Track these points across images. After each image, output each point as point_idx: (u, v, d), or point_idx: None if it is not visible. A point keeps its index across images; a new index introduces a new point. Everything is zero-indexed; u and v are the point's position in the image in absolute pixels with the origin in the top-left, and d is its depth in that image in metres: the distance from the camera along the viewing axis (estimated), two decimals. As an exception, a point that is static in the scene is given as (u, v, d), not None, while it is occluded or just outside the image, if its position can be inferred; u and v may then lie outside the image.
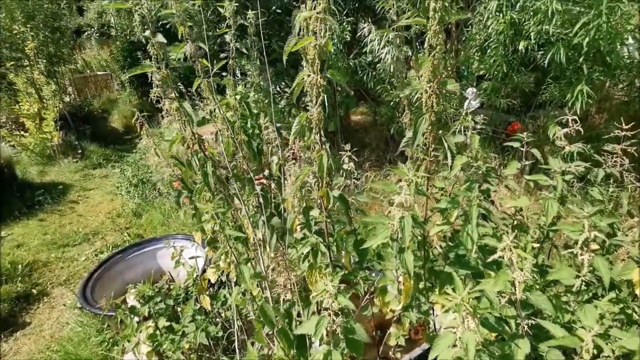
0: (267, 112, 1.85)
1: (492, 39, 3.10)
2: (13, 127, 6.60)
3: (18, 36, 5.98)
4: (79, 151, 6.42)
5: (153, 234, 4.14)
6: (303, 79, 1.05)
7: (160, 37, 1.36)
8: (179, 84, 1.66)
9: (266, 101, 1.80)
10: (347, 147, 1.28)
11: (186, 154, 1.70)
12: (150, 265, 3.12)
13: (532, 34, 2.87)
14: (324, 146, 0.99)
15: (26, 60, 6.35)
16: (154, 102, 1.85)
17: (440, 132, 1.04)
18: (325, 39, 0.90)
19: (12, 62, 6.29)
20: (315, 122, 0.96)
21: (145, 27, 1.49)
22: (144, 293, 1.85)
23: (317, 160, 0.96)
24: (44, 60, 6.52)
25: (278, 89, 4.71)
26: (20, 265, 3.49)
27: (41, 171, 5.94)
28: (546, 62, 2.89)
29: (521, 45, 3.00)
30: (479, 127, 1.63)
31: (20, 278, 3.37)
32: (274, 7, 4.06)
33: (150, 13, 1.51)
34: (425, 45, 0.92)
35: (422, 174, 1.00)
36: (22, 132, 6.31)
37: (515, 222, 1.46)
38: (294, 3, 4.57)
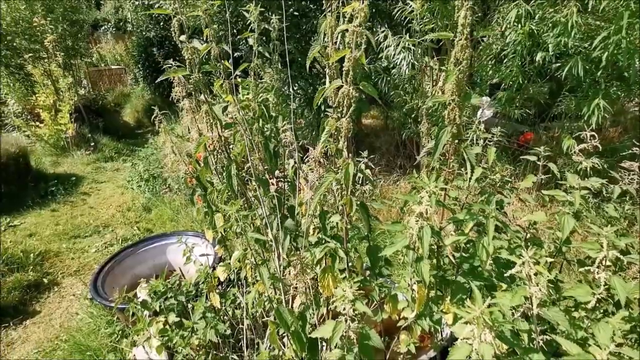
0: (284, 115, 1.87)
1: (509, 49, 3.10)
2: (29, 117, 6.73)
3: (37, 28, 6.09)
4: (92, 144, 6.52)
5: (162, 229, 4.19)
6: (333, 88, 1.06)
7: (196, 43, 1.40)
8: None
9: (284, 104, 1.82)
10: (365, 154, 1.30)
11: (204, 153, 1.73)
12: (160, 260, 3.16)
13: (550, 45, 2.86)
14: (349, 155, 1.01)
15: (44, 52, 6.47)
16: (175, 101, 1.88)
17: (462, 145, 1.05)
18: (360, 53, 0.92)
19: (30, 54, 6.41)
20: (344, 131, 0.97)
21: (181, 32, 1.53)
22: (156, 289, 1.88)
23: (343, 168, 0.98)
24: (62, 53, 6.63)
25: (292, 90, 4.74)
26: (32, 254, 3.55)
27: (54, 162, 6.04)
28: (563, 74, 2.88)
29: (538, 57, 2.99)
30: (495, 139, 1.64)
31: (31, 267, 3.43)
32: (291, 10, 4.09)
33: (188, 20, 1.55)
34: (451, 59, 0.93)
35: (442, 185, 1.01)
36: (38, 123, 6.43)
37: (529, 236, 1.46)
38: (311, 6, 4.60)
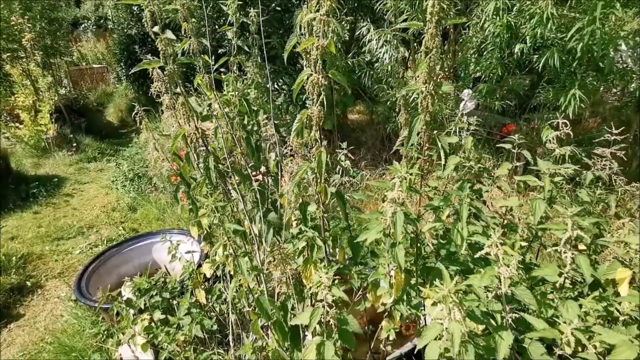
0: (265, 109, 1.87)
1: (488, 42, 3.15)
2: (8, 118, 6.56)
3: (15, 27, 5.94)
4: (74, 144, 6.40)
5: (148, 228, 4.15)
6: (304, 78, 1.07)
7: (169, 34, 1.39)
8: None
9: (265, 99, 1.83)
10: (344, 145, 1.31)
11: (186, 149, 1.73)
12: (146, 259, 3.13)
13: (527, 37, 2.91)
14: (322, 143, 1.02)
15: (22, 52, 6.31)
16: (155, 97, 1.87)
17: (435, 132, 1.07)
18: (328, 41, 0.93)
19: (8, 54, 6.24)
20: (315, 120, 0.98)
21: (154, 23, 1.51)
22: (140, 286, 1.87)
23: (315, 156, 0.99)
24: (40, 52, 6.48)
25: (276, 85, 4.73)
26: (14, 258, 3.49)
27: (36, 164, 5.91)
28: (540, 65, 2.94)
29: (517, 49, 3.05)
30: (472, 128, 1.68)
31: (14, 270, 3.37)
32: (273, 5, 4.08)
33: (160, 10, 1.53)
34: (422, 47, 0.95)
35: (416, 171, 1.03)
36: (17, 124, 6.28)
37: (506, 222, 1.50)
38: (294, 1, 4.59)
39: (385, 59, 3.41)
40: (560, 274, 0.97)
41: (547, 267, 1.00)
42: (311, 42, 0.94)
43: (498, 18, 2.95)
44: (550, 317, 0.96)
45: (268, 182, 2.01)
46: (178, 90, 1.45)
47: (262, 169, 2.05)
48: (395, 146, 1.19)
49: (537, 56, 3.19)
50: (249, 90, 1.98)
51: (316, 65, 0.95)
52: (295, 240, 1.27)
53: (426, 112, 1.00)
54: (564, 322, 0.85)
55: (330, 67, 0.97)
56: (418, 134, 1.03)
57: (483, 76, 3.49)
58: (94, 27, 11.67)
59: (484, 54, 3.26)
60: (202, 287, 2.20)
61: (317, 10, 0.92)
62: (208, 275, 2.28)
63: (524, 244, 1.26)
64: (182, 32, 1.56)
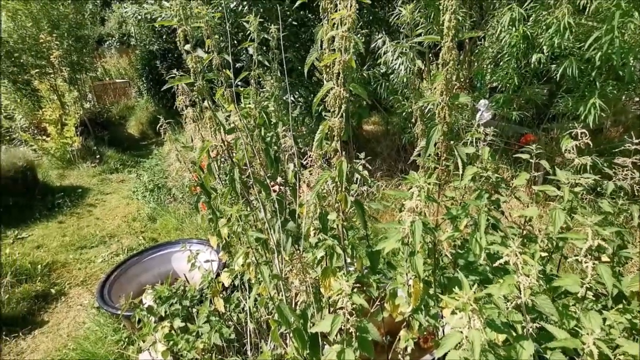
0: (284, 121, 1.92)
1: (504, 52, 3.14)
2: (36, 131, 6.86)
3: (43, 45, 6.25)
4: (97, 156, 6.62)
5: (167, 238, 4.24)
6: (325, 91, 1.11)
7: (200, 52, 1.45)
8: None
9: (283, 111, 1.88)
10: (362, 155, 1.34)
11: (209, 160, 1.78)
12: (165, 268, 3.20)
13: (545, 47, 2.90)
14: (342, 153, 1.05)
15: (50, 68, 6.62)
16: (180, 110, 1.94)
17: (452, 142, 1.09)
18: (349, 56, 0.97)
19: (36, 70, 6.55)
20: (336, 131, 1.02)
21: (186, 42, 1.60)
22: (161, 294, 1.92)
23: (336, 166, 1.02)
24: (67, 68, 6.78)
25: (292, 98, 4.82)
26: (39, 266, 3.61)
27: (61, 175, 6.13)
28: (558, 75, 2.92)
29: (534, 58, 3.03)
30: (489, 138, 1.68)
31: (39, 278, 3.48)
32: (290, 20, 4.18)
33: (192, 30, 1.62)
34: (439, 60, 0.98)
35: (434, 181, 1.05)
36: (44, 137, 6.55)
37: (525, 232, 1.49)
38: (309, 15, 4.69)
39: (401, 70, 3.44)
40: (581, 285, 0.96)
41: (568, 277, 0.99)
42: (333, 57, 0.98)
43: (514, 28, 2.95)
44: (572, 329, 0.95)
45: (286, 192, 2.05)
46: (205, 104, 1.51)
47: (279, 179, 2.09)
48: (413, 156, 1.21)
49: (554, 65, 3.17)
50: (267, 103, 2.04)
51: (338, 79, 0.99)
52: (314, 249, 1.30)
53: (443, 123, 1.02)
54: (586, 333, 0.84)
55: (347, 80, 1.01)
56: (435, 145, 1.05)
57: (500, 86, 3.48)
58: (118, 43, 12.14)
59: (500, 64, 3.26)
60: (221, 295, 2.23)
61: (338, 27, 0.96)
62: (226, 284, 2.32)
63: (544, 254, 1.25)
64: (206, 48, 1.63)
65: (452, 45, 0.95)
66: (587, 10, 2.75)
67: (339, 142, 1.03)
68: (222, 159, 1.67)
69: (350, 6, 0.91)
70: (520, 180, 1.43)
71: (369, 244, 1.31)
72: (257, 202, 1.67)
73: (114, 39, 12.04)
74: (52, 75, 6.74)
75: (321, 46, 1.16)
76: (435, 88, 1.00)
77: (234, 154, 1.61)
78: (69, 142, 6.42)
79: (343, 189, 1.03)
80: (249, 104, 1.85)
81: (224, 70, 1.70)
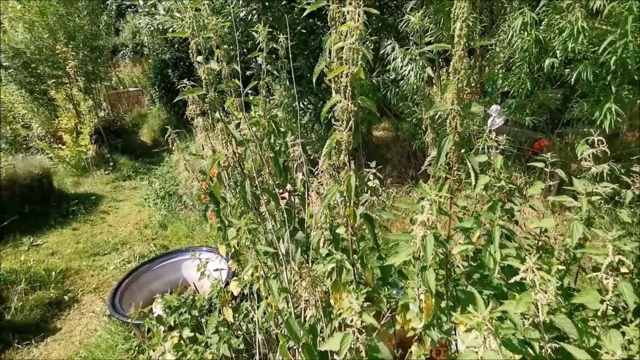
0: (293, 129, 1.92)
1: (516, 56, 3.10)
2: (52, 140, 7.01)
3: (60, 55, 6.40)
4: (111, 163, 6.73)
5: (178, 245, 4.26)
6: (334, 103, 1.10)
7: (213, 64, 1.46)
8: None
9: (293, 120, 1.87)
10: (372, 164, 1.32)
11: (219, 169, 1.78)
12: (176, 276, 3.21)
13: (558, 51, 2.85)
14: (351, 167, 1.03)
15: (66, 78, 6.77)
16: (190, 119, 1.95)
17: (463, 151, 1.06)
18: (357, 68, 0.96)
19: (53, 80, 6.71)
20: (344, 144, 1.00)
21: (199, 53, 1.61)
22: (170, 304, 1.91)
23: (345, 180, 1.00)
24: (82, 78, 6.93)
25: (301, 105, 4.83)
26: (53, 273, 3.66)
27: (76, 182, 6.25)
28: (573, 79, 2.86)
29: (547, 63, 2.98)
30: (501, 146, 1.64)
31: (53, 285, 3.53)
32: (299, 28, 4.20)
33: (205, 41, 1.63)
34: (450, 68, 0.96)
35: (445, 194, 1.02)
36: (60, 145, 6.69)
37: (540, 243, 1.44)
38: (318, 23, 4.71)
39: (411, 76, 3.42)
40: (602, 301, 0.92)
41: (588, 294, 0.95)
42: (341, 70, 0.97)
43: (526, 33, 2.91)
44: (592, 347, 0.91)
45: (294, 201, 2.04)
46: (217, 115, 1.51)
47: (289, 187, 2.08)
48: (424, 166, 1.19)
49: (568, 70, 3.11)
50: (276, 111, 2.04)
51: (346, 92, 0.97)
52: (324, 261, 1.28)
53: (455, 133, 0.99)
54: (606, 353, 0.80)
55: (355, 92, 0.99)
56: (447, 154, 1.02)
57: (512, 91, 3.42)
58: (131, 53, 12.39)
59: (512, 68, 3.21)
60: (230, 305, 2.22)
61: (347, 38, 0.95)
62: (235, 294, 2.31)
63: (561, 267, 1.21)
64: (215, 58, 1.64)
65: (463, 54, 0.93)
66: (600, 14, 2.70)
67: (347, 155, 1.02)
68: (232, 168, 1.66)
69: (358, 18, 0.90)
70: (535, 189, 1.39)
71: (380, 254, 1.28)
72: (266, 211, 1.66)
73: (127, 48, 12.30)
74: (68, 85, 6.90)
75: (329, 55, 1.15)
76: (446, 97, 0.97)
77: (244, 165, 1.60)
78: (84, 150, 6.54)
79: (352, 204, 1.01)
80: (259, 112, 1.85)
81: (233, 79, 1.70)
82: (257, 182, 1.89)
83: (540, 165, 1.42)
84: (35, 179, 5.11)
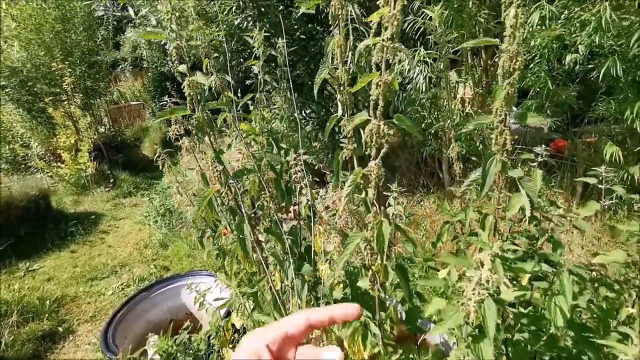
0: (295, 145, 1.70)
1: (534, 53, 2.86)
2: (51, 158, 6.87)
3: (56, 72, 6.28)
4: (111, 180, 6.56)
5: (179, 265, 4.05)
6: (336, 116, 0.87)
7: (200, 76, 1.21)
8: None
9: (295, 135, 1.65)
10: (394, 186, 1.09)
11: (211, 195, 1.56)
12: (175, 303, 2.98)
13: (581, 46, 2.61)
14: (381, 209, 0.79)
15: (64, 95, 6.65)
16: (173, 140, 1.73)
17: (509, 172, 0.83)
18: (393, 76, 0.73)
19: (50, 97, 6.58)
20: (374, 180, 0.76)
21: (181, 61, 1.35)
22: (163, 348, 1.69)
23: (374, 228, 0.76)
24: (81, 95, 6.79)
25: (303, 114, 4.62)
26: (48, 301, 3.46)
27: (75, 201, 6.08)
28: (600, 75, 2.61)
29: (568, 59, 2.74)
30: (540, 157, 1.41)
31: (47, 315, 3.32)
32: (297, 33, 4.01)
33: (187, 47, 1.38)
34: (499, 70, 0.74)
35: (511, 246, 0.79)
36: (59, 164, 6.54)
37: (595, 275, 1.20)
38: (318, 28, 4.51)
39: (419, 79, 3.19)
40: None
41: None
42: (369, 79, 0.74)
43: (544, 27, 2.67)
44: None
45: (300, 225, 1.81)
46: (207, 140, 1.27)
47: (295, 207, 1.86)
48: (461, 190, 0.95)
49: (591, 66, 2.86)
50: (274, 124, 1.83)
51: (376, 109, 0.74)
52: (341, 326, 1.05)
53: (503, 151, 0.77)
54: None
55: (387, 107, 0.76)
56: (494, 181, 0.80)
57: (531, 91, 3.18)
58: (131, 67, 12.33)
59: (530, 67, 2.97)
60: (231, 341, 2.00)
61: (377, 34, 0.72)
62: (238, 326, 2.08)
63: (632, 310, 0.96)
64: (204, 69, 1.43)
65: (517, 50, 0.71)
66: (629, 5, 2.46)
67: (376, 193, 0.78)
68: (226, 202, 1.43)
69: (395, 3, 0.66)
70: (588, 210, 1.15)
71: (409, 306, 1.05)
72: (268, 256, 1.43)
73: (127, 62, 12.25)
74: (65, 102, 6.77)
75: (332, 61, 0.93)
76: (494, 106, 0.75)
77: (243, 198, 1.37)
78: (83, 168, 6.39)
79: (384, 259, 0.76)
80: (256, 128, 1.64)
81: (225, 91, 1.49)
82: (256, 206, 1.67)
83: (593, 181, 1.18)
84: (31, 200, 4.94)
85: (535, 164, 1.38)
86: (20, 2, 6.36)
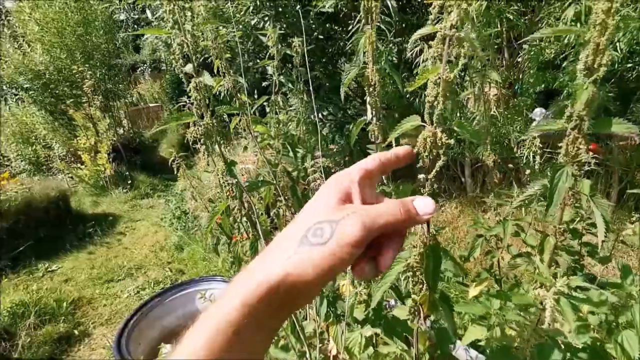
0: (311, 150, 1.60)
1: (568, 51, 2.69)
2: (72, 159, 6.98)
3: (77, 75, 6.38)
4: (129, 181, 6.62)
5: (194, 269, 4.01)
6: (363, 120, 0.77)
7: (207, 78, 1.11)
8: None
9: (312, 140, 1.55)
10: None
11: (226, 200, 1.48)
12: (190, 308, 2.93)
13: (620, 43, 2.43)
14: (430, 229, 0.67)
15: (84, 97, 6.76)
16: (191, 143, 1.66)
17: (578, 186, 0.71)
18: (454, 74, 0.62)
19: (71, 99, 6.70)
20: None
21: (186, 60, 1.25)
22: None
23: (425, 255, 0.64)
24: (100, 97, 6.89)
25: (320, 116, 4.52)
26: (64, 303, 3.47)
27: (94, 202, 6.15)
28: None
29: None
30: (587, 167, 1.27)
31: (63, 317, 3.32)
32: (315, 33, 3.92)
33: (195, 44, 1.28)
34: (580, 65, 0.63)
35: (578, 281, 0.67)
36: (79, 165, 6.64)
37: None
38: (336, 28, 4.42)
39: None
40: None
41: None
42: (427, 77, 0.63)
43: (579, 24, 2.50)
44: None
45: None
46: (217, 149, 1.16)
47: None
48: (511, 207, 0.83)
49: (630, 65, 2.67)
50: (290, 127, 1.73)
51: (433, 114, 0.64)
52: (360, 330, 0.94)
53: (575, 162, 0.65)
54: None
55: (445, 112, 0.65)
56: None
57: (563, 92, 3.00)
58: (150, 69, 12.51)
59: (564, 65, 2.80)
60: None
61: (437, 22, 0.61)
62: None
63: None
64: (215, 70, 1.35)
65: (606, 43, 0.60)
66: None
67: (428, 224, 0.67)
68: (239, 217, 1.34)
69: None
70: (646, 227, 1.01)
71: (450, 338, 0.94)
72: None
73: (146, 65, 12.42)
74: (86, 104, 6.87)
75: (363, 56, 0.83)
76: (575, 108, 0.64)
77: (255, 216, 1.27)
78: (102, 169, 6.46)
79: (433, 292, 0.65)
80: (271, 132, 1.55)
81: (239, 94, 1.40)
82: (271, 214, 1.58)
83: (653, 193, 1.04)
84: (51, 202, 5.01)
85: (580, 172, 1.25)
86: (43, 5, 6.49)
